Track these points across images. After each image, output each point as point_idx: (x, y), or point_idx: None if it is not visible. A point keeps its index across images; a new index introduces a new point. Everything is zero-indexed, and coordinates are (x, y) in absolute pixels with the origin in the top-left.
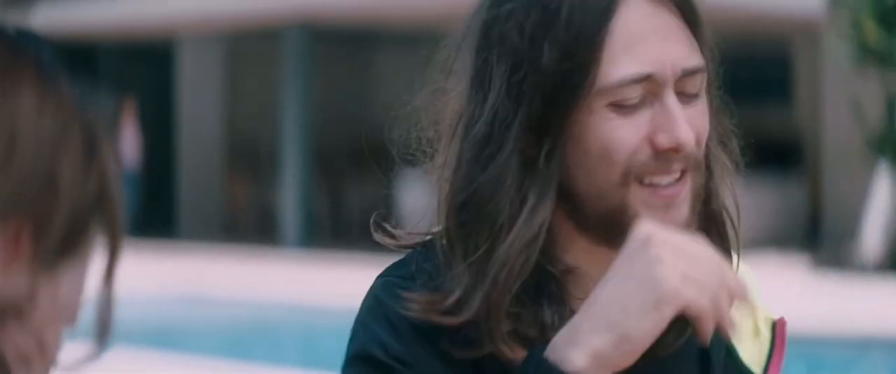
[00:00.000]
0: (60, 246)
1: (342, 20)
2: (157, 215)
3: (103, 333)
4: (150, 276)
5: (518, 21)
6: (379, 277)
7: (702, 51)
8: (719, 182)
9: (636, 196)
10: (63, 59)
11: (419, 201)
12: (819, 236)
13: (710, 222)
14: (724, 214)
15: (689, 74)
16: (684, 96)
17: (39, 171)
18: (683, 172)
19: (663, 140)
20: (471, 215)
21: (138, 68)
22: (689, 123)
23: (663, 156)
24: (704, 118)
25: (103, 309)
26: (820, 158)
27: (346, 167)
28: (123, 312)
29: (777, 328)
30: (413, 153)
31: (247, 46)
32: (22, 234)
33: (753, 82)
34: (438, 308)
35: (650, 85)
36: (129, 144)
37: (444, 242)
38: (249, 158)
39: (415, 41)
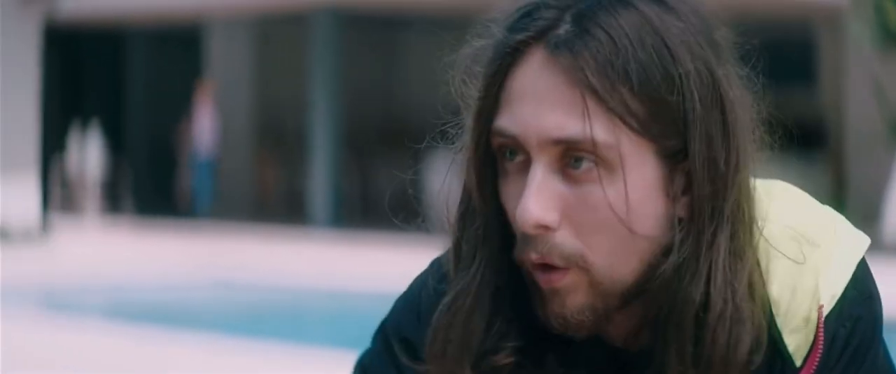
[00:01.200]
0: None
1: (370, 3)
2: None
3: None
4: (179, 257)
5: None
6: (433, 261)
7: (624, 123)
8: (719, 286)
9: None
10: (92, 44)
11: (447, 183)
12: None
13: (706, 332)
14: (726, 329)
15: (562, 144)
16: (574, 173)
17: None
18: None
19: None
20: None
21: (167, 53)
22: (560, 205)
23: (520, 233)
24: (586, 206)
25: None
26: (843, 141)
27: (375, 148)
28: (152, 294)
29: (818, 315)
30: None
31: (276, 30)
32: None
33: (777, 65)
34: None
35: (523, 148)
36: (205, 127)
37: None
38: (279, 139)
39: (442, 24)
